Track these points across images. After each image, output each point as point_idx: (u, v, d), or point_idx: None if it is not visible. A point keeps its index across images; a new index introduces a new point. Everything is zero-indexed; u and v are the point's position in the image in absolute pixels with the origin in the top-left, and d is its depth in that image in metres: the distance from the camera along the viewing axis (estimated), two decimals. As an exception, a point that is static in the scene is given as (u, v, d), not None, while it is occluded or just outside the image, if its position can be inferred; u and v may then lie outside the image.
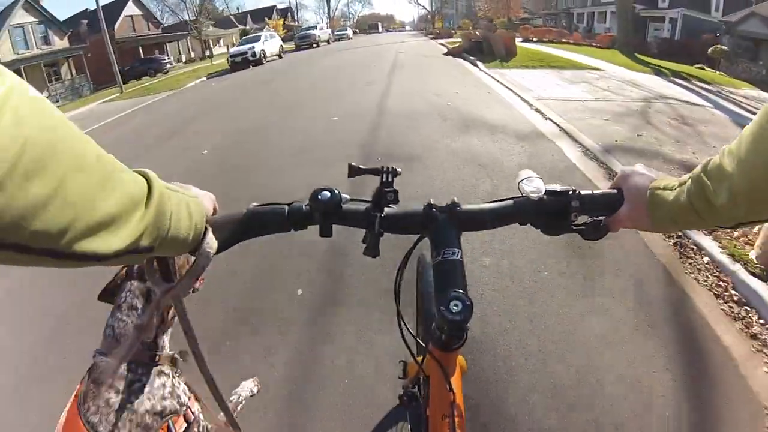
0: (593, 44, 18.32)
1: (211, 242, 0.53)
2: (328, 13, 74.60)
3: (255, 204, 0.63)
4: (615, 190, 0.64)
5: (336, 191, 0.61)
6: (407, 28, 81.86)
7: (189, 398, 1.02)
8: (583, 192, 0.63)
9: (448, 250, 0.60)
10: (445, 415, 0.62)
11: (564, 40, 19.65)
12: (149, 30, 35.38)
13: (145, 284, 0.92)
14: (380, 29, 64.81)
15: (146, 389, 0.90)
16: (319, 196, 0.60)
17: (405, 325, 0.72)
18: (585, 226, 0.64)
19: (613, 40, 18.12)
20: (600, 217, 0.65)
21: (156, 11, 38.56)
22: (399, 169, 0.63)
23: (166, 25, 39.31)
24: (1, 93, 0.26)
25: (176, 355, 1.01)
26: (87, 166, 0.32)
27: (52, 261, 0.31)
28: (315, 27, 30.26)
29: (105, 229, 0.34)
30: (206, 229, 0.53)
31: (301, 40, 26.90)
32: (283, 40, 26.14)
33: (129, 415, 0.85)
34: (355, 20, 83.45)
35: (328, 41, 29.36)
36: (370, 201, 0.63)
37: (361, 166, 0.63)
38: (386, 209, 0.63)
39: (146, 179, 0.42)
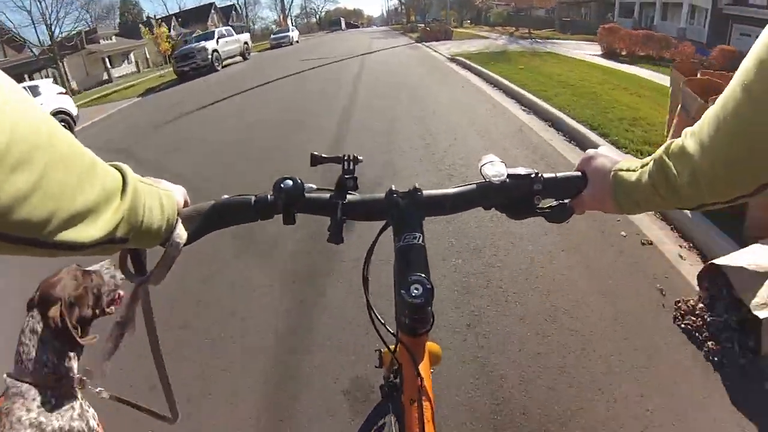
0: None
1: (182, 233, 0.62)
2: (282, 9, 76.95)
3: (225, 196, 0.73)
4: (579, 173, 0.73)
5: (298, 180, 0.70)
6: (375, 25, 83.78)
7: (98, 424, 1.23)
8: (545, 175, 0.72)
9: (409, 234, 0.70)
10: (413, 399, 0.69)
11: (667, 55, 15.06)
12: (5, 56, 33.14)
13: (45, 309, 1.15)
14: (343, 26, 66.83)
15: (55, 411, 1.09)
16: (282, 185, 0.70)
17: (374, 313, 0.80)
18: (550, 209, 0.74)
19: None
20: (564, 200, 0.74)
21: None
22: (360, 157, 0.74)
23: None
24: None
25: (83, 377, 1.20)
26: (67, 159, 0.39)
27: (32, 250, 0.38)
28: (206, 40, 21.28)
29: (83, 220, 0.41)
30: (177, 220, 0.62)
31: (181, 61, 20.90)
32: (168, 57, 24.84)
33: None
34: (318, 16, 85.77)
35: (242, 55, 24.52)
36: (332, 189, 0.74)
37: (323, 155, 0.74)
38: (349, 196, 0.73)
39: (121, 172, 0.50)
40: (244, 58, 22.85)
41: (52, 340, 1.14)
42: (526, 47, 16.65)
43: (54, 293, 1.17)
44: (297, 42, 34.42)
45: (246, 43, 23.29)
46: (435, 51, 16.60)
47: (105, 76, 38.88)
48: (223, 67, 20.22)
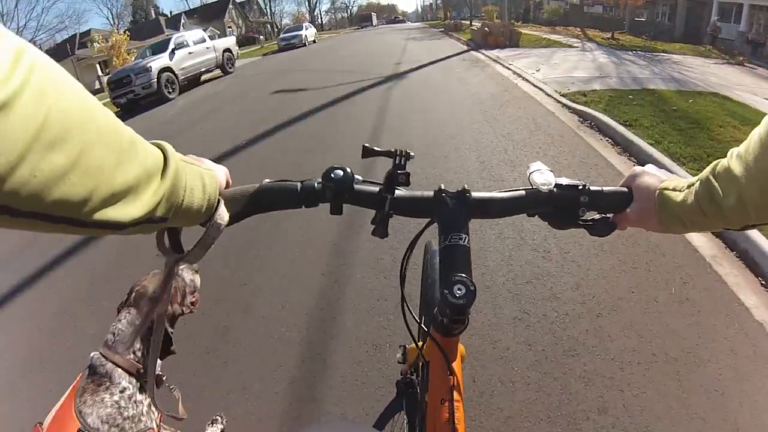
0: None
1: (223, 214, 0.60)
2: (308, 3, 70.37)
3: (268, 180, 0.70)
4: (625, 189, 0.72)
5: (348, 170, 0.68)
6: (405, 20, 77.31)
7: (156, 426, 1.24)
8: (593, 188, 0.71)
9: (456, 235, 0.68)
10: (444, 398, 0.69)
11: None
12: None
13: (138, 311, 1.24)
14: (374, 21, 59.52)
15: (132, 399, 1.14)
16: (332, 175, 0.68)
17: (409, 309, 0.82)
18: (593, 222, 0.73)
19: None
20: (608, 214, 0.73)
21: None
22: (412, 153, 0.70)
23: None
24: (24, 67, 0.31)
25: (162, 375, 1.31)
26: (105, 138, 0.37)
27: (72, 228, 0.38)
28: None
29: (122, 199, 0.40)
30: (219, 201, 0.60)
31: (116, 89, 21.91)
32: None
33: (114, 415, 1.08)
34: (350, 11, 79.11)
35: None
36: (381, 183, 0.71)
37: (375, 148, 0.70)
38: (397, 191, 0.71)
39: (162, 151, 0.48)
40: (225, 72, 15.86)
41: (146, 332, 1.18)
42: (660, 74, 9.28)
43: (149, 294, 1.24)
44: (313, 42, 27.64)
45: (228, 50, 16.04)
46: (515, 73, 9.21)
47: (97, 84, 32.89)
48: (181, 92, 13.21)
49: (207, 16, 51.24)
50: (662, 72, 9.54)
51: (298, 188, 0.68)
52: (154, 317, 0.97)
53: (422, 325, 0.90)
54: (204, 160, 0.63)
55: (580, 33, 20.68)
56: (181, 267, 1.30)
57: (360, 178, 0.70)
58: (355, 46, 20.73)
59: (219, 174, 0.64)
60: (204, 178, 0.56)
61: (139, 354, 1.19)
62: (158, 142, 0.50)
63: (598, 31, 21.92)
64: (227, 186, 0.68)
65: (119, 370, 1.14)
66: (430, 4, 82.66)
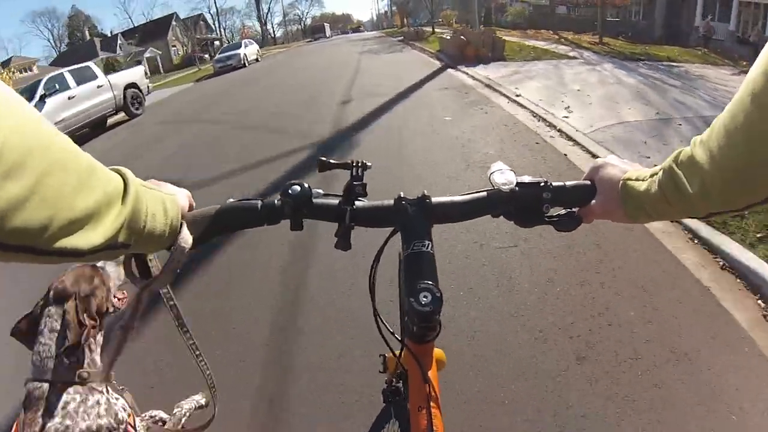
0: None
1: (186, 237, 0.59)
2: (258, 17, 66.21)
3: (231, 200, 0.69)
4: (588, 182, 0.71)
5: (306, 185, 0.68)
6: (362, 29, 74.25)
7: (128, 415, 1.19)
8: (554, 184, 0.70)
9: (419, 242, 0.67)
10: (422, 406, 0.68)
11: None
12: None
13: (60, 306, 1.12)
14: (328, 33, 55.88)
15: (80, 409, 1.05)
16: (290, 191, 0.68)
17: (380, 319, 0.79)
18: (558, 218, 0.71)
19: None
20: (573, 209, 0.72)
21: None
22: (369, 163, 0.70)
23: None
24: None
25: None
26: (64, 165, 0.36)
27: (32, 257, 0.36)
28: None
29: (83, 226, 0.39)
30: (182, 224, 0.59)
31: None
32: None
33: None
34: (303, 23, 75.35)
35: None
36: (341, 195, 0.70)
37: (331, 161, 0.70)
38: (357, 203, 0.70)
39: (122, 177, 0.47)
40: (130, 114, 11.50)
41: (61, 341, 1.11)
42: (714, 101, 6.51)
43: (68, 289, 1.15)
44: (255, 60, 23.74)
45: (132, 86, 11.72)
46: (535, 115, 5.88)
47: None
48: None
49: (148, 36, 46.71)
50: (712, 96, 6.61)
51: (259, 206, 0.68)
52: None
53: (396, 335, 0.81)
54: (165, 184, 0.62)
55: (556, 37, 18.03)
56: (104, 262, 1.24)
57: (320, 191, 0.70)
58: (298, 66, 17.13)
59: (181, 197, 0.63)
60: (165, 202, 0.55)
61: (73, 360, 1.10)
62: (117, 168, 0.48)
63: (572, 34, 19.70)
64: (190, 209, 0.67)
65: (57, 385, 1.05)
66: (385, 12, 79.87)
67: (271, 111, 8.37)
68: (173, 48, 47.09)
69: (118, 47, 41.23)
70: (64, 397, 1.04)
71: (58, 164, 0.36)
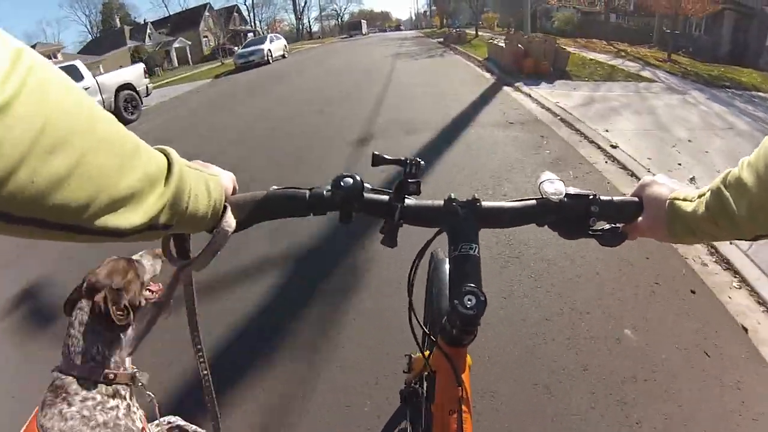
0: None
1: (230, 221, 0.58)
2: (294, 10, 64.69)
3: (275, 187, 0.68)
4: (635, 198, 0.71)
5: (358, 178, 0.66)
6: (402, 27, 71.88)
7: (143, 428, 1.16)
8: (603, 198, 0.69)
9: (466, 245, 0.66)
10: (453, 410, 0.68)
11: None
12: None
13: (91, 299, 1.11)
14: (364, 30, 53.84)
15: (98, 407, 1.04)
16: (342, 183, 0.65)
17: (416, 318, 0.80)
18: (603, 233, 0.70)
19: None
20: (618, 225, 0.71)
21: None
22: (422, 162, 0.68)
23: None
24: (23, 69, 0.29)
25: (137, 374, 1.17)
26: (107, 143, 0.36)
27: (72, 236, 0.36)
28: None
29: (124, 205, 0.38)
30: (225, 207, 0.58)
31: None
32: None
33: (80, 425, 1.00)
34: (340, 19, 73.61)
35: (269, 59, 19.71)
36: (391, 191, 0.69)
37: (386, 156, 0.68)
38: (407, 200, 0.68)
39: (167, 157, 0.46)
40: (124, 121, 9.63)
41: (101, 331, 1.11)
42: None
43: (101, 281, 1.13)
44: (282, 56, 21.73)
45: (127, 87, 10.10)
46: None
47: None
48: None
49: (181, 25, 45.49)
50: None
51: (307, 196, 0.67)
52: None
53: (430, 334, 0.83)
54: (210, 166, 0.61)
55: (613, 49, 15.82)
56: (140, 253, 1.28)
57: (369, 186, 0.68)
58: (324, 68, 15.01)
59: (225, 180, 0.62)
60: (209, 183, 0.54)
61: (99, 358, 1.09)
62: (162, 147, 0.48)
63: (627, 45, 17.74)
64: (234, 192, 0.66)
65: (81, 381, 1.04)
66: (424, 11, 77.39)
67: (264, 145, 5.91)
68: (204, 38, 45.74)
69: (147, 36, 39.97)
70: (84, 392, 1.03)
71: (101, 143, 0.35)
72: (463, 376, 0.70)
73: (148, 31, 40.84)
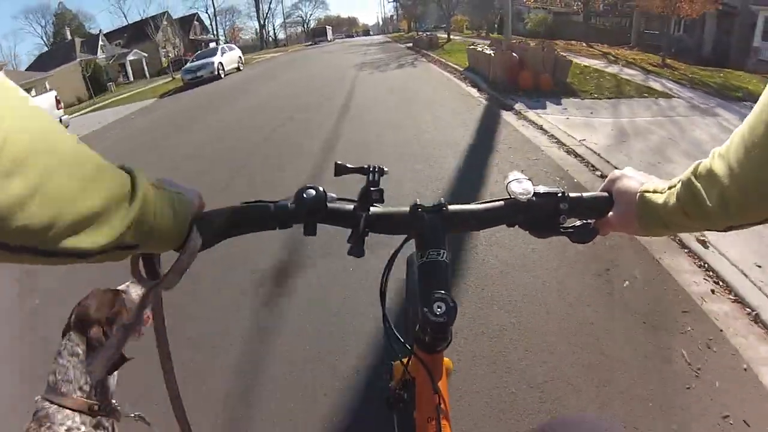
0: None
1: (196, 239, 0.57)
2: (258, 18, 62.08)
3: (242, 202, 0.67)
4: (605, 194, 0.69)
5: (321, 189, 0.66)
6: (370, 32, 70.32)
7: None
8: (572, 194, 0.68)
9: (434, 251, 0.65)
10: (431, 417, 0.67)
11: None
12: None
13: (82, 335, 1.08)
14: (330, 36, 51.76)
15: None
16: (304, 195, 0.65)
17: (390, 326, 0.77)
18: (574, 229, 0.69)
19: None
20: (589, 220, 0.69)
21: None
22: (386, 169, 0.68)
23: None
24: None
25: (117, 407, 1.14)
26: (68, 163, 0.35)
27: (36, 258, 0.35)
28: None
29: (88, 226, 0.37)
30: (192, 225, 0.58)
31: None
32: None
33: None
34: (306, 25, 71.34)
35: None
36: (356, 200, 0.68)
37: (347, 165, 0.68)
38: (372, 208, 0.67)
39: (131, 176, 0.45)
40: None
41: (90, 364, 1.08)
42: None
43: (91, 314, 1.11)
44: (236, 69, 19.47)
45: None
46: None
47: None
48: None
49: (137, 36, 42.44)
50: None
51: (272, 208, 0.66)
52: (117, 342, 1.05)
53: (405, 342, 0.78)
54: (177, 184, 0.60)
55: (596, 51, 14.55)
56: (127, 283, 1.26)
57: (334, 196, 0.68)
58: (279, 82, 12.90)
59: (192, 197, 0.61)
60: (175, 202, 0.54)
61: (87, 388, 1.06)
62: (127, 166, 0.47)
63: (605, 47, 16.60)
64: (201, 208, 0.64)
65: (65, 411, 1.01)
66: (391, 16, 75.69)
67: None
68: (163, 50, 42.88)
69: (99, 48, 36.94)
70: (69, 423, 1.00)
71: (62, 163, 0.34)
72: (440, 382, 0.70)
73: (101, 42, 37.74)
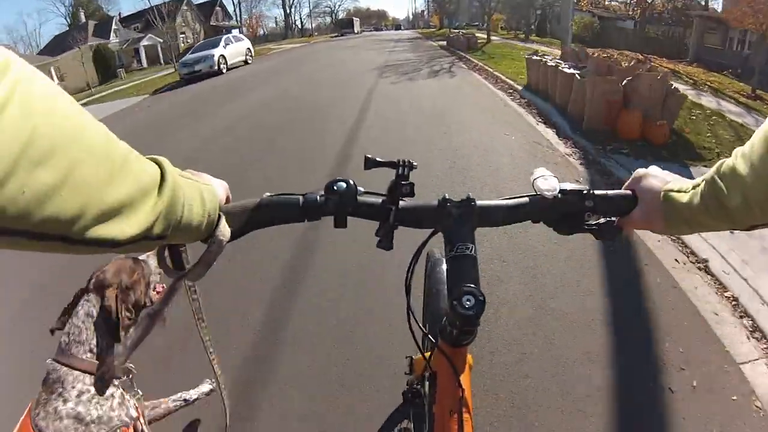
0: None
1: (225, 230, 0.57)
2: (283, 6, 59.46)
3: (269, 194, 0.67)
4: (629, 191, 0.69)
5: (351, 182, 0.66)
6: (401, 27, 66.92)
7: (138, 414, 1.18)
8: (597, 192, 0.69)
9: (462, 245, 0.65)
10: (453, 411, 0.68)
11: None
12: None
13: (98, 297, 1.10)
14: (357, 28, 49.05)
15: (94, 399, 1.04)
16: (335, 187, 0.65)
17: (415, 319, 0.77)
18: (598, 227, 0.70)
19: None
20: (613, 218, 0.71)
21: None
22: (415, 163, 0.67)
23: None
24: (9, 82, 0.29)
25: (130, 367, 1.20)
26: (96, 153, 0.35)
27: (64, 247, 0.35)
28: None
29: (116, 216, 0.37)
30: (219, 217, 0.57)
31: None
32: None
33: (75, 424, 0.99)
34: (334, 15, 68.73)
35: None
36: (385, 194, 0.68)
37: (377, 159, 0.67)
38: (401, 202, 0.68)
39: (160, 167, 0.45)
40: None
41: (104, 326, 1.10)
42: None
43: (109, 278, 1.13)
44: (245, 63, 17.24)
45: None
46: None
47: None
48: None
49: (156, 21, 40.43)
50: None
51: (300, 202, 0.66)
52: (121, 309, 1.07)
53: (429, 335, 0.79)
54: (203, 175, 0.60)
55: (659, 65, 11.71)
56: (146, 254, 1.25)
57: (363, 189, 0.67)
58: (284, 85, 10.39)
59: (219, 189, 0.61)
60: (203, 193, 0.53)
61: (97, 352, 1.07)
62: (155, 157, 0.47)
63: (664, 61, 13.88)
64: (227, 201, 0.65)
65: (75, 372, 1.03)
66: (422, 11, 72.44)
67: None
68: (182, 35, 40.63)
69: (112, 33, 34.83)
70: (80, 386, 1.02)
71: (90, 153, 0.35)
72: (463, 376, 0.70)
73: (114, 26, 35.65)
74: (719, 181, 0.54)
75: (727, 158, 0.54)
